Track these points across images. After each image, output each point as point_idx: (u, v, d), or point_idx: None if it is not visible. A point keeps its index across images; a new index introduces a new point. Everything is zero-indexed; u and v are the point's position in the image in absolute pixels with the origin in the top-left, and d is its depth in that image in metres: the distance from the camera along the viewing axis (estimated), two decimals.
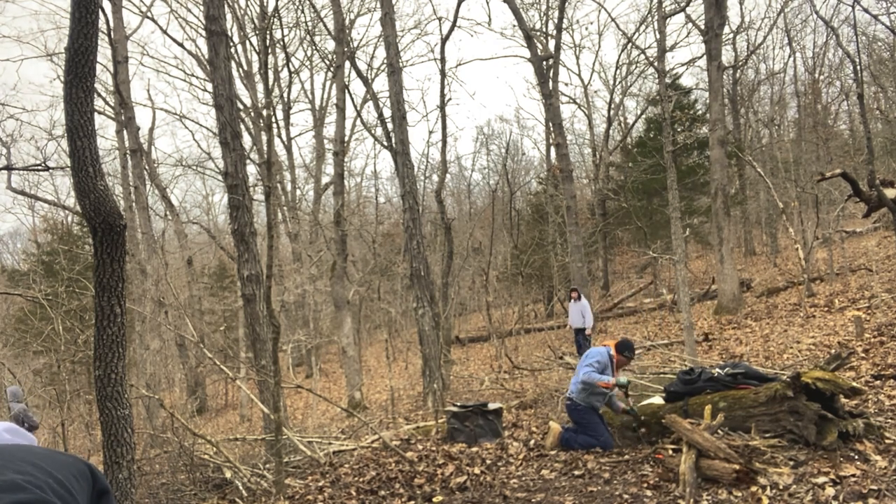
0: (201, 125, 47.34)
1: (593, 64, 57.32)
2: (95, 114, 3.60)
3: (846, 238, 17.84)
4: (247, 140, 19.79)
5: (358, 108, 21.00)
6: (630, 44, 22.33)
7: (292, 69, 24.17)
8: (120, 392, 3.54)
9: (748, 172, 23.28)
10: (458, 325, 24.47)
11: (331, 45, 19.97)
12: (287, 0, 20.02)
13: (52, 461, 0.78)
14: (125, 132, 16.25)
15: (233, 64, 11.13)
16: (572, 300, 12.97)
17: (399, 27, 18.86)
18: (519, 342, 17.48)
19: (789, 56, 40.20)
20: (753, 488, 4.21)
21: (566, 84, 27.63)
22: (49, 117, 45.94)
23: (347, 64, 17.33)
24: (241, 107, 20.43)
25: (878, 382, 6.41)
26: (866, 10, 13.23)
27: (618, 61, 26.49)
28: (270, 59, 21.22)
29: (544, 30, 20.55)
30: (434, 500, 5.07)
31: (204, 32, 11.91)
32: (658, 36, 12.68)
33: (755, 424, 4.96)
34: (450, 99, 31.32)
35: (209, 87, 15.50)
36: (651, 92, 24.66)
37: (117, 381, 3.54)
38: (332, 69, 20.01)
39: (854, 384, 4.96)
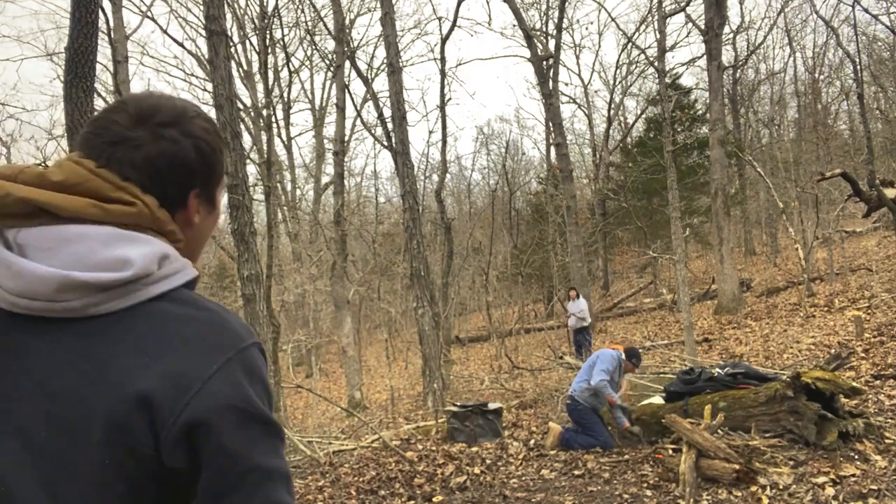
0: None
1: (593, 64, 57.49)
2: (95, 113, 3.60)
3: (846, 238, 17.85)
4: (247, 140, 19.79)
5: (358, 108, 21.01)
6: (630, 44, 22.36)
7: (292, 69, 24.19)
8: None
9: (748, 172, 23.29)
10: (458, 325, 24.48)
11: (331, 44, 19.98)
12: (287, 0, 20.04)
13: None
14: None
15: (233, 64, 11.12)
16: (570, 300, 12.98)
17: (399, 27, 18.85)
18: (519, 342, 17.48)
19: (789, 56, 40.27)
20: (753, 488, 4.21)
21: (566, 84, 27.64)
22: (49, 117, 46.01)
23: (347, 64, 17.34)
24: (241, 107, 20.43)
25: (878, 382, 6.41)
26: (866, 10, 13.25)
27: (618, 61, 26.52)
28: (270, 58, 21.19)
29: (544, 29, 20.56)
30: (434, 499, 5.07)
31: (204, 32, 11.91)
32: (658, 36, 12.69)
33: (755, 424, 4.96)
34: (450, 99, 31.37)
35: (209, 86, 15.50)
36: (651, 92, 24.68)
37: None
38: (332, 69, 20.01)
39: (854, 384, 4.97)
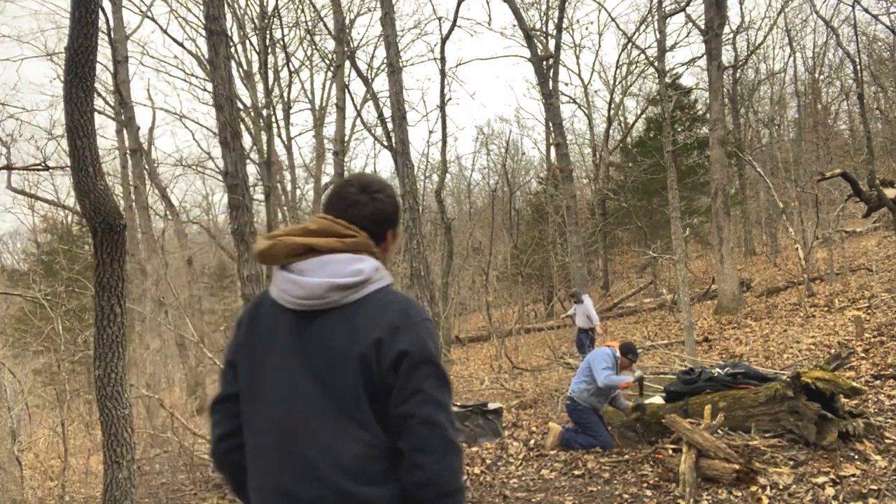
0: (201, 125, 47.44)
1: (593, 64, 57.51)
2: (95, 113, 3.60)
3: (846, 238, 17.85)
4: (247, 140, 19.78)
5: (358, 108, 21.02)
6: (630, 43, 22.34)
7: (292, 69, 24.15)
8: (120, 392, 3.54)
9: (748, 172, 23.27)
10: (458, 325, 24.47)
11: (331, 44, 19.98)
12: (287, 0, 20.03)
13: None
14: (125, 132, 16.24)
15: (233, 64, 11.12)
16: (574, 304, 12.94)
17: (399, 27, 18.84)
18: (519, 342, 17.46)
19: (789, 56, 40.17)
20: (753, 488, 4.21)
21: (566, 84, 27.59)
22: (49, 117, 46.01)
23: (347, 63, 17.34)
24: (241, 106, 20.42)
25: (878, 382, 6.41)
26: (866, 10, 13.25)
27: (618, 61, 26.48)
28: (270, 58, 21.18)
29: (544, 29, 20.54)
30: None
31: (204, 32, 11.89)
32: (658, 36, 12.68)
33: (755, 424, 4.95)
34: (450, 99, 31.23)
35: (209, 86, 15.48)
36: (651, 92, 24.66)
37: (117, 381, 3.53)
38: (332, 69, 20.02)
39: (854, 384, 4.96)
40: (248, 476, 1.50)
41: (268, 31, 18.07)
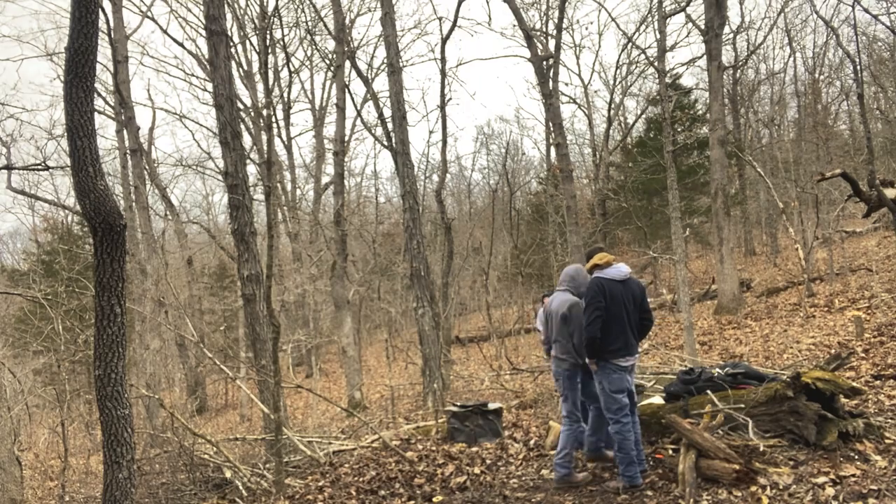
0: (201, 125, 47.39)
1: (593, 64, 57.54)
2: (95, 113, 3.60)
3: (846, 238, 17.84)
4: (247, 140, 19.79)
5: (358, 108, 20.99)
6: (630, 44, 22.35)
7: (292, 69, 24.18)
8: (120, 392, 3.54)
9: (748, 172, 23.29)
10: (458, 325, 24.47)
11: (331, 44, 19.97)
12: (287, 0, 20.03)
13: None
14: (125, 132, 16.25)
15: (233, 64, 11.11)
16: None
17: (399, 27, 18.83)
18: (519, 342, 17.47)
19: (789, 56, 40.24)
20: (753, 488, 4.21)
21: (566, 84, 27.59)
22: (49, 117, 46.12)
23: (347, 64, 17.33)
24: (241, 107, 20.43)
25: (878, 382, 6.41)
26: (866, 10, 13.22)
27: (618, 61, 26.49)
28: (270, 58, 21.21)
29: (544, 30, 20.54)
30: (434, 499, 5.07)
31: (204, 32, 11.91)
32: (658, 36, 12.70)
33: (755, 424, 4.95)
34: (450, 99, 31.15)
35: (209, 86, 15.50)
36: (651, 92, 24.67)
37: (117, 381, 3.53)
38: (332, 69, 20.01)
39: (854, 384, 4.96)
40: (611, 336, 4.73)
41: (268, 31, 18.06)
